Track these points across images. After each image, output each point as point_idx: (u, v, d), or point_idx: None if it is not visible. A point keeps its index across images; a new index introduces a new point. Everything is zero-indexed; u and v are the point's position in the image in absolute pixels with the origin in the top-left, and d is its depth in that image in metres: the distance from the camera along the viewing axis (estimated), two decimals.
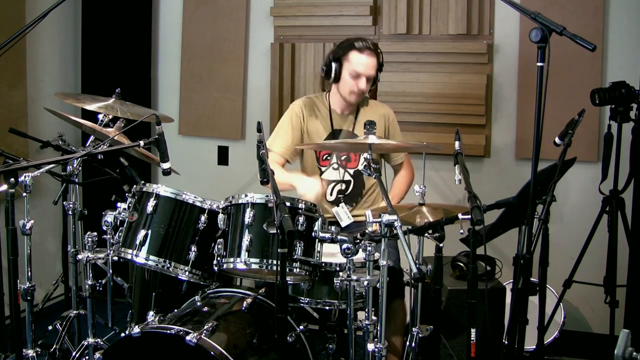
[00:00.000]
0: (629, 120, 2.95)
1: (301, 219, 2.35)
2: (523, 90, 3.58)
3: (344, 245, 2.20)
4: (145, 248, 2.41)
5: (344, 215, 2.84)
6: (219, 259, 2.40)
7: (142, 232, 2.41)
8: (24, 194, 2.22)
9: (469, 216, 2.06)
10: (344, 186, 3.05)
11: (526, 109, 3.56)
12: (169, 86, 4.25)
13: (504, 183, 3.56)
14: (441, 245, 2.39)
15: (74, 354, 2.73)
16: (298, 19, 3.92)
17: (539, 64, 2.08)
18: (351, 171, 3.04)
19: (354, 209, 3.05)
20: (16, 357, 2.23)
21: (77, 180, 2.79)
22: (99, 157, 2.58)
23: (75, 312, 2.92)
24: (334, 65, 2.90)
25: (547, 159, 2.58)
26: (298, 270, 2.34)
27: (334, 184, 3.05)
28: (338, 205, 2.97)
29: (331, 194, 3.05)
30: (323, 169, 3.05)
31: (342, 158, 3.03)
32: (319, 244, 2.40)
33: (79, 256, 2.56)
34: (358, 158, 3.02)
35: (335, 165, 3.04)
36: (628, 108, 2.94)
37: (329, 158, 3.04)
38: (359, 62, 2.86)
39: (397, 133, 3.10)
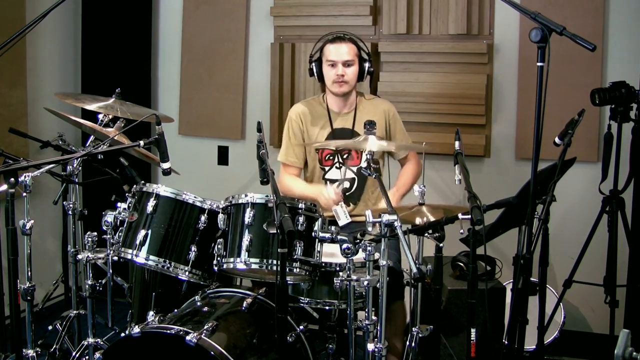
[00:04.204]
0: (629, 120, 2.95)
1: (301, 219, 2.35)
2: (523, 90, 3.58)
3: (344, 245, 2.20)
4: (145, 248, 2.41)
5: (342, 214, 2.84)
6: (219, 259, 2.40)
7: (142, 232, 2.42)
8: (24, 194, 2.22)
9: (469, 216, 2.06)
10: (347, 184, 3.05)
11: (526, 109, 3.56)
12: (169, 86, 4.25)
13: (504, 183, 3.56)
14: (441, 245, 2.38)
15: (74, 354, 2.74)
16: (298, 19, 3.92)
17: (539, 64, 2.08)
18: (354, 169, 3.05)
19: (357, 207, 3.05)
20: (16, 357, 2.23)
21: (77, 180, 2.79)
22: (99, 157, 2.58)
23: (75, 312, 2.92)
24: (314, 65, 3.01)
25: (547, 159, 2.58)
26: (298, 270, 2.34)
27: (338, 182, 3.06)
28: (337, 204, 2.97)
29: None
30: (326, 168, 3.06)
31: (344, 157, 3.04)
32: (319, 244, 2.40)
33: (79, 256, 2.56)
34: (360, 156, 3.03)
35: (338, 165, 3.05)
36: (628, 108, 2.94)
37: (331, 158, 3.05)
38: (331, 51, 2.95)
39: (398, 129, 3.09)
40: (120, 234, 2.47)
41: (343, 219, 2.85)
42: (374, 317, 2.22)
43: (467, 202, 2.11)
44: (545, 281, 2.75)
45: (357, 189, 3.07)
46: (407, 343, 2.50)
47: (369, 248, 2.16)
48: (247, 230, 2.35)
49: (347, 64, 2.93)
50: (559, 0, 3.44)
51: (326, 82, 3.00)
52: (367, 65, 2.98)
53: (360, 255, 2.20)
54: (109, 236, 2.47)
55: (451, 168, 2.34)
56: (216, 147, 4.20)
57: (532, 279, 2.49)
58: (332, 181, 3.06)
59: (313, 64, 3.01)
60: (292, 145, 3.06)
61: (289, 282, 2.46)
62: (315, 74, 3.02)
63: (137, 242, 2.41)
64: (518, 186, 2.50)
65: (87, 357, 2.65)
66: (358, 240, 2.20)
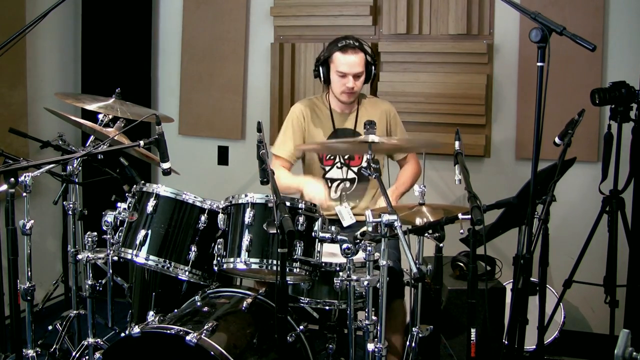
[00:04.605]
0: (629, 120, 2.95)
1: (301, 219, 2.35)
2: (523, 90, 3.58)
3: (344, 245, 2.20)
4: (145, 248, 2.41)
5: (346, 214, 2.85)
6: (219, 259, 2.40)
7: (142, 232, 2.42)
8: (24, 194, 2.22)
9: (469, 216, 2.06)
10: (348, 184, 3.06)
11: (526, 109, 3.56)
12: (169, 86, 4.25)
13: (504, 183, 3.56)
14: (441, 245, 2.38)
15: (74, 354, 2.73)
16: (298, 19, 3.92)
17: (539, 64, 2.08)
18: (355, 169, 3.05)
19: (357, 206, 3.05)
20: (16, 357, 2.22)
21: (77, 180, 2.79)
22: (99, 157, 2.58)
23: (75, 312, 2.92)
24: (321, 68, 2.97)
25: (547, 159, 2.58)
26: (298, 270, 2.34)
27: (338, 182, 3.06)
28: (341, 204, 2.97)
29: (335, 192, 3.06)
30: (327, 168, 3.06)
31: (346, 157, 3.04)
32: (319, 244, 2.40)
33: (79, 256, 2.56)
34: (361, 156, 3.03)
35: (339, 164, 3.05)
36: (628, 108, 2.94)
37: (332, 157, 3.05)
38: (342, 63, 2.89)
39: (398, 129, 3.10)
40: (120, 234, 2.47)
41: (347, 220, 2.85)
42: (374, 317, 2.22)
43: (467, 202, 2.11)
44: (545, 281, 2.75)
45: (358, 188, 3.07)
46: (407, 343, 2.50)
47: (369, 248, 2.16)
48: (247, 230, 2.35)
49: (357, 75, 2.91)
50: (559, 0, 3.44)
51: (334, 90, 2.99)
52: (372, 68, 2.97)
53: (360, 255, 2.20)
54: (109, 236, 2.47)
55: (451, 168, 2.34)
56: (216, 147, 4.20)
57: (532, 279, 2.49)
58: (332, 180, 3.06)
59: (320, 68, 2.97)
60: (288, 140, 3.04)
61: (289, 282, 2.46)
62: (322, 78, 2.99)
63: (137, 242, 2.41)
64: (518, 186, 2.50)
65: (87, 357, 2.65)
66: (358, 241, 2.20)
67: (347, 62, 2.89)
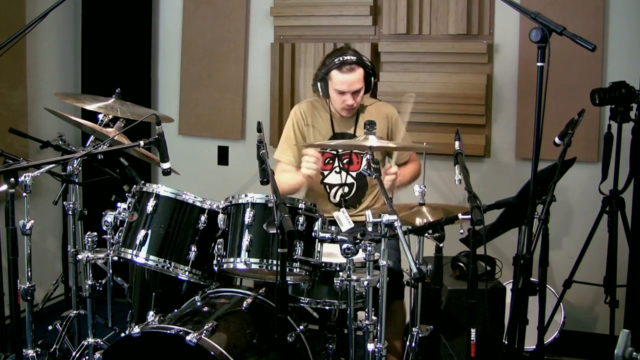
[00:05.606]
0: (629, 120, 2.96)
1: (301, 219, 2.36)
2: (523, 90, 3.58)
3: (344, 245, 2.20)
4: (145, 248, 2.41)
5: (344, 219, 2.84)
6: (219, 259, 2.40)
7: (142, 232, 2.42)
8: (24, 194, 2.22)
9: (469, 216, 2.06)
10: (346, 189, 3.05)
11: (526, 109, 3.56)
12: (169, 86, 4.25)
13: (504, 183, 3.56)
14: (441, 245, 2.38)
15: (74, 354, 2.74)
16: (298, 19, 3.92)
17: (539, 64, 2.08)
18: (354, 174, 3.04)
19: (357, 211, 3.05)
20: (16, 357, 2.23)
21: (77, 180, 2.79)
22: (99, 157, 2.58)
23: (75, 312, 2.92)
24: (320, 84, 2.92)
25: (547, 159, 2.58)
26: (298, 270, 2.34)
27: (336, 187, 3.05)
28: (339, 210, 2.96)
29: (334, 197, 3.05)
30: (325, 172, 3.05)
31: (345, 161, 3.03)
32: (319, 244, 2.40)
33: (79, 256, 2.56)
34: (360, 161, 3.02)
35: (338, 169, 3.04)
36: (628, 108, 2.94)
37: (330, 162, 3.04)
38: (340, 81, 2.85)
39: (400, 133, 3.08)
40: (120, 234, 2.47)
41: (345, 225, 2.84)
42: (374, 317, 2.22)
43: (467, 202, 2.11)
44: (545, 281, 2.75)
45: (356, 193, 3.06)
46: (407, 343, 2.50)
47: (369, 248, 2.16)
48: (247, 230, 2.35)
49: (356, 92, 2.88)
50: (559, 0, 3.44)
51: (333, 105, 2.96)
52: (372, 79, 2.93)
53: (360, 255, 2.20)
54: (109, 236, 2.47)
55: (451, 168, 2.34)
56: (216, 147, 4.21)
57: (532, 279, 2.49)
58: (331, 186, 3.05)
59: (319, 84, 2.92)
60: (291, 145, 3.04)
61: (289, 282, 2.46)
62: (321, 92, 2.93)
63: (137, 242, 2.41)
64: (518, 186, 2.50)
65: (87, 357, 2.66)
66: (358, 241, 2.20)
67: (345, 81, 2.84)
